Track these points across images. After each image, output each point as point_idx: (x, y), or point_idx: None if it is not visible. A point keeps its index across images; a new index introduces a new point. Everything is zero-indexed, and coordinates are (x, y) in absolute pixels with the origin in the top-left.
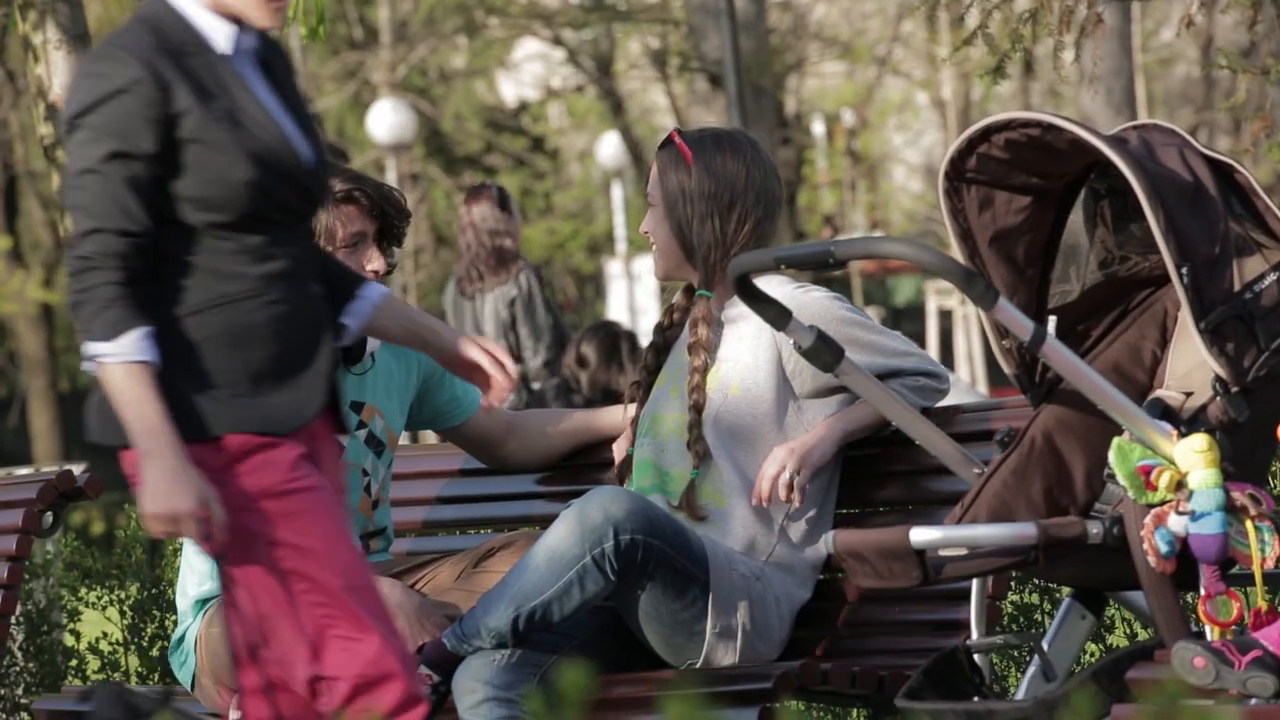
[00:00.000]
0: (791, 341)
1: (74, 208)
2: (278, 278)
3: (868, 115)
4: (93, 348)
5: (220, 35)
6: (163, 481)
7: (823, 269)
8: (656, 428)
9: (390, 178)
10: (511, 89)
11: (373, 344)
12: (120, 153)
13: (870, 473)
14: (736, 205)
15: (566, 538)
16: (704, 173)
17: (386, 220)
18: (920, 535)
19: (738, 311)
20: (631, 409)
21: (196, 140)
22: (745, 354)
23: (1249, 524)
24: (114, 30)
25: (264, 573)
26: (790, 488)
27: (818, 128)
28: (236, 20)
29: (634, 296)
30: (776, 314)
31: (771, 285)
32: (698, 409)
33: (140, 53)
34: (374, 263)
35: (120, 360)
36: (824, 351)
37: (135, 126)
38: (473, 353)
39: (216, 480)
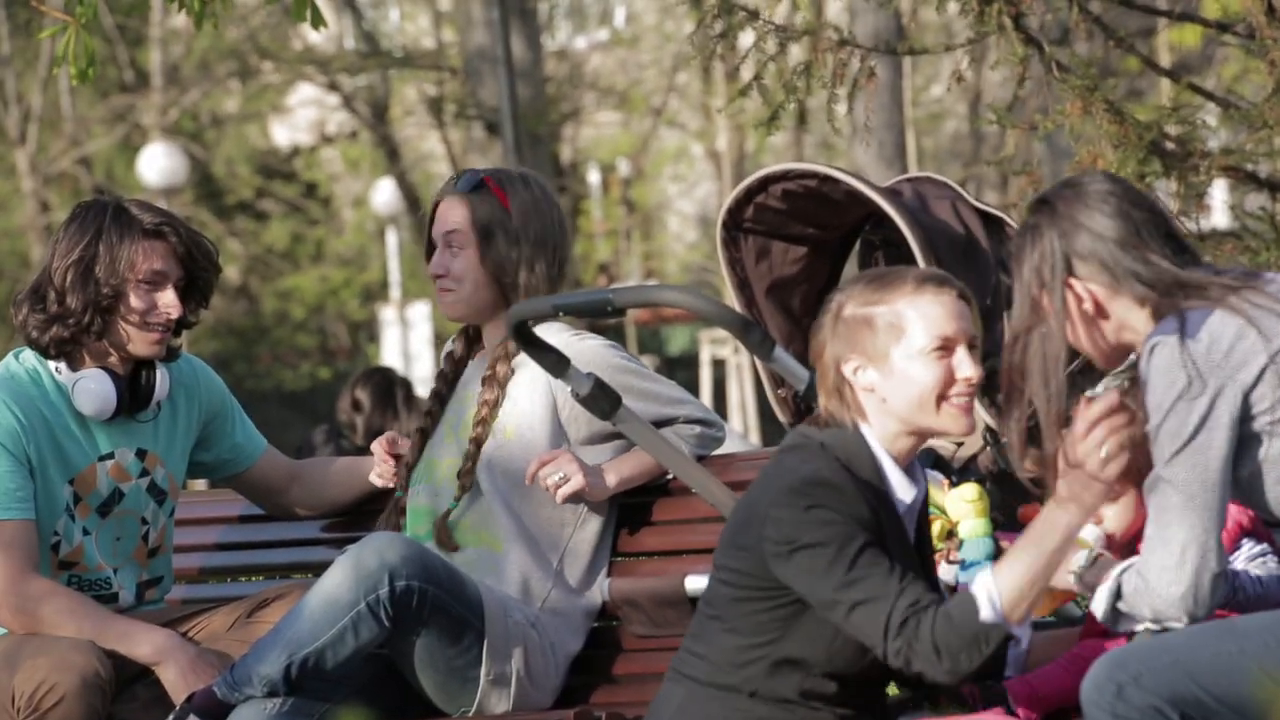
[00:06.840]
0: (569, 389)
1: None
2: None
3: (643, 165)
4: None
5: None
6: None
7: (601, 317)
8: (432, 473)
9: None
10: (285, 134)
11: (160, 392)
12: None
13: (646, 520)
14: (553, 246)
15: (341, 583)
16: (525, 213)
17: (194, 268)
18: (696, 584)
19: (514, 360)
20: (407, 453)
21: None
22: (521, 400)
23: None
24: None
25: None
26: (555, 486)
27: (593, 177)
28: None
29: (408, 343)
30: (554, 361)
31: (549, 333)
32: (478, 442)
33: None
34: (171, 308)
35: None
36: (602, 399)
37: None
38: None
39: None
